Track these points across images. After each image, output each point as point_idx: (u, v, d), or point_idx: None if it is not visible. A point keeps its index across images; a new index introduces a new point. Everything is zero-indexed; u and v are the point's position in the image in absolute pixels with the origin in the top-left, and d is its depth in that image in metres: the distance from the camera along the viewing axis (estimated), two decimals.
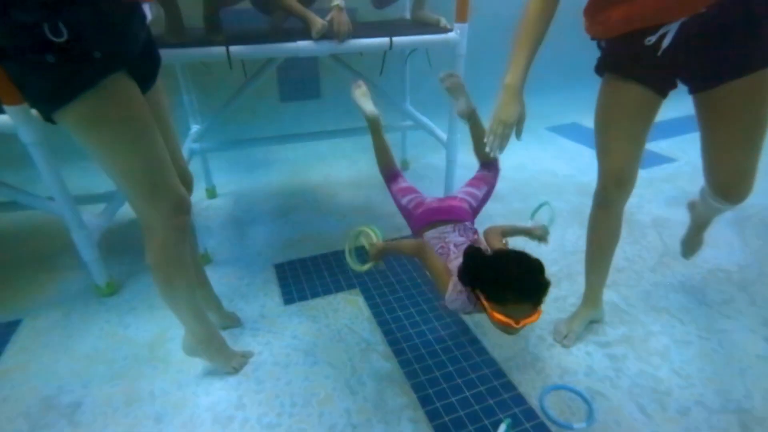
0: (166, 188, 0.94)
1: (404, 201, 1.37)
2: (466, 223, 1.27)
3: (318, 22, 1.55)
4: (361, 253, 1.25)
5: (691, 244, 1.48)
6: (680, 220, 1.96)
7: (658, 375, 1.21)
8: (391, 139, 2.96)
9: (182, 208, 0.99)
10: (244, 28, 1.98)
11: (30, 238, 1.93)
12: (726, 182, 1.08)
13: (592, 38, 1.08)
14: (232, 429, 1.09)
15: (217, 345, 1.22)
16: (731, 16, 0.86)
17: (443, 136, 1.98)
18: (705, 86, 0.98)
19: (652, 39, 0.93)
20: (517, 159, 2.50)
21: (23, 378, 1.25)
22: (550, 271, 1.61)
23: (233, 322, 1.42)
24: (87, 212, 1.51)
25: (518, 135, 1.09)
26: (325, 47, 1.60)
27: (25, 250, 1.86)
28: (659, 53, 0.94)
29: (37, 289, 1.61)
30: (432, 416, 1.11)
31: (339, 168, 2.60)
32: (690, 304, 1.46)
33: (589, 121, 3.45)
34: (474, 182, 1.39)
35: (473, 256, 1.01)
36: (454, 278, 1.06)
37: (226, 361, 1.24)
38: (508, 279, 0.93)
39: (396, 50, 1.70)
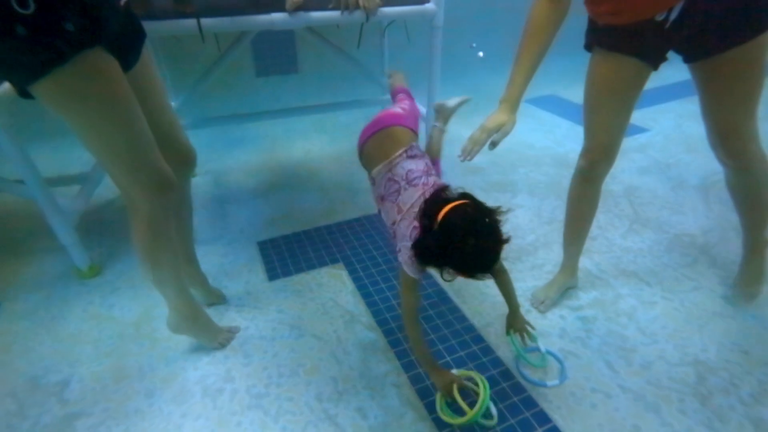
0: (147, 166, 0.93)
1: None
2: (413, 143, 1.14)
3: None
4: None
5: (747, 276, 1.35)
6: (650, 188, 2.03)
7: (624, 333, 1.29)
8: (369, 112, 2.92)
9: (165, 185, 0.98)
10: None
11: (2, 221, 1.88)
12: (723, 133, 1.09)
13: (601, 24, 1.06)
14: (222, 400, 1.13)
15: (202, 321, 1.24)
16: None
17: (422, 109, 1.98)
18: (704, 56, 0.99)
19: (662, 15, 0.93)
20: None
21: (7, 359, 1.25)
22: (526, 240, 1.69)
23: (218, 299, 1.43)
24: (62, 195, 1.48)
25: (492, 146, 1.04)
26: (300, 20, 1.56)
27: None
28: (667, 26, 0.95)
29: (14, 272, 1.58)
30: (414, 381, 1.17)
31: (320, 144, 2.57)
32: (657, 267, 1.55)
33: (567, 93, 3.46)
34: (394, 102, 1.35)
35: (432, 246, 0.91)
36: (402, 244, 1.02)
37: (212, 337, 1.26)
38: (474, 266, 0.92)
39: (373, 22, 1.67)
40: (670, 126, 2.64)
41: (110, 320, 1.38)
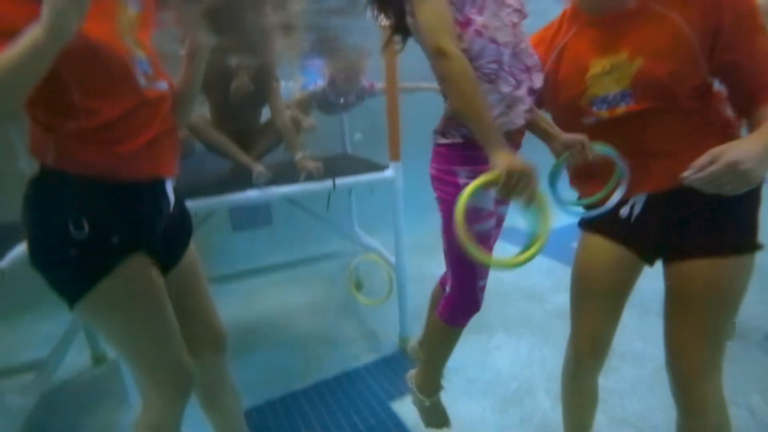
0: (169, 367, 0.92)
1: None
2: None
3: (255, 169, 1.68)
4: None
5: None
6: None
7: None
8: (342, 264, 2.92)
9: (184, 387, 0.94)
10: (197, 174, 2.08)
11: None
12: (682, 374, 0.93)
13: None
14: None
15: None
16: (697, 195, 0.83)
17: (392, 258, 2.07)
18: (671, 258, 0.95)
19: (626, 211, 0.95)
20: None
21: None
22: (510, 389, 1.64)
23: None
24: (11, 385, 1.37)
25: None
26: (273, 194, 1.72)
27: None
28: (632, 221, 0.95)
29: None
30: None
31: (294, 294, 2.58)
32: (645, 410, 1.50)
33: (525, 224, 3.68)
34: None
35: None
36: None
37: None
38: None
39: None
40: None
41: None
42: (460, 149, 0.96)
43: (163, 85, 0.90)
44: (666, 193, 0.89)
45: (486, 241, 1.03)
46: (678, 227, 0.91)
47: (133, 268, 0.85)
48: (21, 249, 1.47)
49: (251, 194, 1.68)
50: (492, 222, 1.03)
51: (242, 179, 1.76)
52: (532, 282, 2.46)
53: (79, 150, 0.79)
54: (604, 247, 1.01)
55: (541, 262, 2.71)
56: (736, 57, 0.81)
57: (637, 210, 0.94)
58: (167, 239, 0.95)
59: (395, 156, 1.91)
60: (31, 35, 0.63)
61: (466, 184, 0.93)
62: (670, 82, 0.82)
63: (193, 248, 1.07)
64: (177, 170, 0.97)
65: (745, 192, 0.86)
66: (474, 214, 0.98)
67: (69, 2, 0.62)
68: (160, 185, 0.93)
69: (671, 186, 0.86)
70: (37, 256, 0.81)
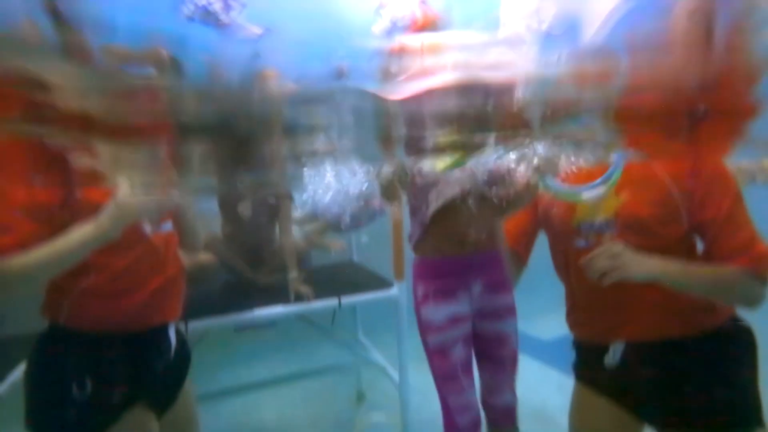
0: None
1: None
2: None
3: (259, 279, 1.76)
4: None
5: None
6: None
7: None
8: (347, 378, 2.81)
9: None
10: (199, 288, 2.10)
11: None
12: None
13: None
14: None
15: None
16: (684, 357, 0.85)
17: (395, 376, 2.01)
18: (667, 425, 0.90)
19: (609, 360, 0.92)
20: None
21: None
22: None
23: None
24: None
25: None
26: (278, 312, 1.74)
27: None
28: (612, 370, 0.93)
29: None
30: None
31: (294, 402, 2.48)
32: None
33: (532, 329, 3.55)
34: None
35: None
36: None
37: None
38: None
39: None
40: None
41: None
42: (420, 265, 1.21)
43: (168, 226, 0.94)
44: (646, 347, 0.89)
45: (445, 354, 1.15)
46: (670, 392, 0.88)
47: (132, 424, 0.84)
48: (22, 370, 1.47)
49: (258, 313, 1.71)
50: (449, 335, 1.16)
51: (245, 293, 1.80)
52: (541, 399, 2.34)
53: (89, 306, 0.82)
54: (598, 406, 0.98)
55: (550, 376, 2.60)
56: (709, 217, 0.86)
57: (616, 357, 0.92)
58: (165, 381, 0.95)
59: (399, 275, 1.96)
60: (83, 233, 0.71)
61: (422, 298, 1.19)
62: (651, 224, 0.87)
63: (188, 383, 1.06)
64: (180, 313, 0.98)
65: (738, 359, 0.85)
66: (426, 325, 1.17)
67: (129, 218, 0.71)
68: (163, 330, 0.95)
69: (648, 338, 0.87)
70: (34, 419, 0.80)
